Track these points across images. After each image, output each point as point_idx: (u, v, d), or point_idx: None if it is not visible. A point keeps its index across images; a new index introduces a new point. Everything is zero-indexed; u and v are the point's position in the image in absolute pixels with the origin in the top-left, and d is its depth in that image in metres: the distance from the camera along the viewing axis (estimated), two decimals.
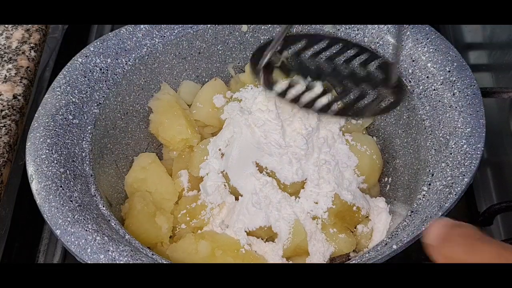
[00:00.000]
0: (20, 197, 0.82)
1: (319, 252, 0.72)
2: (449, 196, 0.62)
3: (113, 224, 0.63)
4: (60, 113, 0.70)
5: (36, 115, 0.69)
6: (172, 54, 0.81)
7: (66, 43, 1.02)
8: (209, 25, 0.81)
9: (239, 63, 0.87)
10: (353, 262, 0.60)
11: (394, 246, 0.59)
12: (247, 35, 0.84)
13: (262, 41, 0.84)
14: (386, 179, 0.80)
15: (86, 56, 0.75)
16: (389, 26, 0.77)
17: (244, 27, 0.83)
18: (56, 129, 0.68)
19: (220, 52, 0.85)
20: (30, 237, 0.80)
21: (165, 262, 0.60)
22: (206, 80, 0.87)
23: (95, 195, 0.65)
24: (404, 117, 0.76)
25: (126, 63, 0.77)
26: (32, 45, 0.89)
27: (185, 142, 0.81)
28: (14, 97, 0.83)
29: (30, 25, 0.91)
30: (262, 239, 0.74)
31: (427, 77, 0.73)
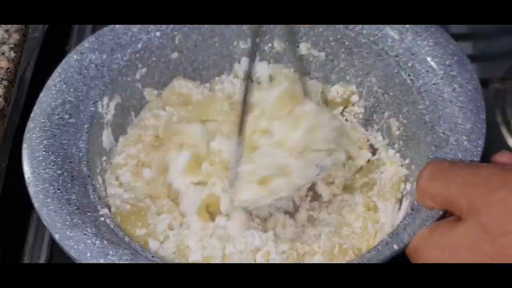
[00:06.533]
0: (3, 200, 0.81)
1: None
2: None
3: (112, 226, 0.63)
4: (56, 112, 0.69)
5: (32, 115, 0.68)
6: (168, 48, 0.80)
7: (47, 43, 0.99)
8: None
9: (235, 56, 0.85)
10: (353, 262, 0.60)
11: (395, 246, 0.59)
12: (243, 27, 0.82)
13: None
14: None
15: (81, 53, 0.73)
16: None
17: None
18: (53, 130, 0.67)
19: (216, 45, 0.83)
20: (15, 239, 0.79)
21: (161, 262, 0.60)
22: (203, 73, 0.86)
23: (93, 196, 0.65)
24: (403, 111, 0.76)
25: (121, 59, 0.76)
26: (11, 45, 0.87)
27: None
28: None
29: (9, 25, 0.88)
30: None
31: (427, 71, 0.72)
